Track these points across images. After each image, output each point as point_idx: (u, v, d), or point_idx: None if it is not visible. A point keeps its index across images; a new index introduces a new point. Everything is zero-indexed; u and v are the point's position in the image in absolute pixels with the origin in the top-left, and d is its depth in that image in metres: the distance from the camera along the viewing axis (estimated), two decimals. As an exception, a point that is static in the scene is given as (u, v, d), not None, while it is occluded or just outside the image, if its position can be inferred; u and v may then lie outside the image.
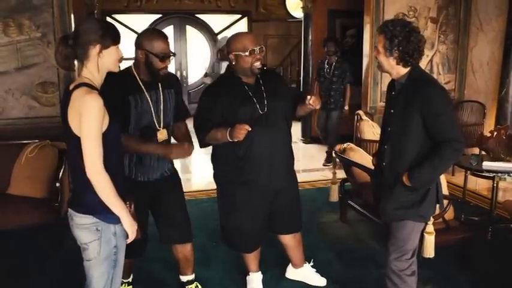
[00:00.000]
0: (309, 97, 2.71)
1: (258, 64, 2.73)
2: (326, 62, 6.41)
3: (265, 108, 2.78)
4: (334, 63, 6.31)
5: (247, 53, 2.68)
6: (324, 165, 6.56)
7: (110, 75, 2.35)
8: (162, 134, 2.70)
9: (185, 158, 2.68)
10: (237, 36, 2.82)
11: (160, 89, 2.69)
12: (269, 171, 2.83)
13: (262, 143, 2.77)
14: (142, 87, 2.61)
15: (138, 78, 2.61)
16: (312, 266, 3.40)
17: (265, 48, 2.81)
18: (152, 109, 2.63)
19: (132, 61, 2.67)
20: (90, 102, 1.90)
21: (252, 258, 3.16)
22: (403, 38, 2.36)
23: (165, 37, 2.61)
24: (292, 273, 3.40)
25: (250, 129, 2.58)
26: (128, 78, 2.60)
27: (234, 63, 2.77)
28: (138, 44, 2.58)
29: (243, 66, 2.73)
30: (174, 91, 2.78)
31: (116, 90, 2.46)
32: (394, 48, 2.38)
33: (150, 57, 2.54)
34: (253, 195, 2.88)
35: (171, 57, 2.60)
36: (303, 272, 3.36)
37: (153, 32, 2.67)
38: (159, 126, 2.68)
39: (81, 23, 2.06)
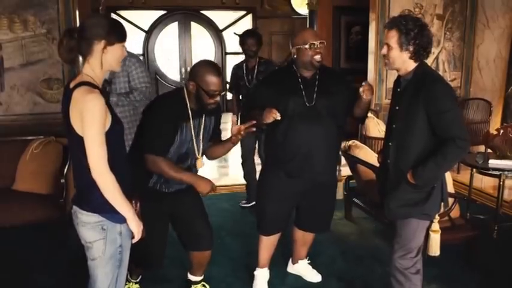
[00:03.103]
0: (362, 87, 2.69)
1: (318, 57, 2.80)
2: (244, 68, 4.59)
3: (313, 103, 2.83)
4: (256, 67, 4.51)
5: (307, 46, 2.77)
6: (242, 206, 4.86)
7: (163, 98, 2.65)
8: (199, 162, 2.73)
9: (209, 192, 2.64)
10: (299, 31, 2.96)
11: (204, 117, 2.69)
12: (303, 162, 2.87)
13: (303, 134, 2.83)
14: (190, 115, 2.60)
15: (188, 106, 2.60)
16: (309, 263, 3.44)
17: (325, 43, 2.85)
18: (194, 138, 2.64)
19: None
20: (91, 102, 1.86)
21: (264, 248, 3.16)
22: (418, 32, 2.36)
23: (218, 73, 2.57)
24: (290, 267, 3.48)
25: (278, 115, 2.67)
26: (180, 105, 2.60)
27: (295, 56, 2.86)
28: (192, 75, 2.56)
29: (303, 59, 2.82)
30: (214, 118, 2.78)
31: (171, 117, 2.54)
32: (411, 42, 2.36)
33: (200, 91, 2.52)
34: (283, 182, 2.94)
35: (220, 93, 2.57)
36: (298, 267, 3.43)
37: (209, 67, 2.59)
38: (198, 154, 2.69)
39: (88, 17, 2.02)
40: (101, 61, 1.97)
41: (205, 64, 2.63)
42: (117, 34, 2.00)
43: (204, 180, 2.62)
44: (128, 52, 3.83)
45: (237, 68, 4.66)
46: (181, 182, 2.63)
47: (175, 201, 2.76)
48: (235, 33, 7.03)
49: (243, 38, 4.51)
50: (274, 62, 5.46)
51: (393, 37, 2.40)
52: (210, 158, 2.89)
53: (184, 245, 2.93)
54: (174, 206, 2.78)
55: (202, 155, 2.74)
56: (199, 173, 2.78)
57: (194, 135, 2.64)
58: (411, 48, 2.38)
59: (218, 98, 2.58)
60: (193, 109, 2.61)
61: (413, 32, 2.35)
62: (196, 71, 2.56)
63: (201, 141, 2.69)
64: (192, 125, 2.62)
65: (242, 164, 4.78)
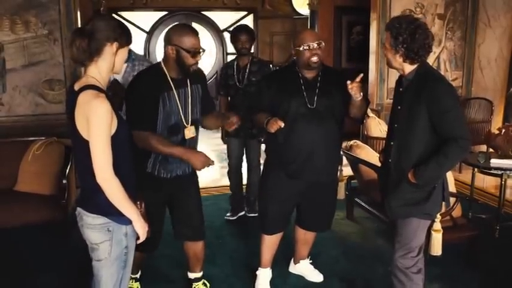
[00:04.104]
0: (348, 82, 2.63)
1: (314, 59, 2.79)
2: (235, 66, 4.21)
3: (314, 104, 2.84)
4: (248, 67, 4.15)
5: (304, 48, 2.77)
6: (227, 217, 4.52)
7: (139, 74, 2.53)
8: (189, 131, 2.67)
9: (208, 166, 2.58)
10: (299, 32, 3.00)
11: (189, 85, 2.66)
12: (304, 163, 2.87)
13: (305, 135, 2.83)
14: (172, 85, 2.58)
15: (168, 76, 2.58)
16: (311, 263, 3.44)
17: (324, 44, 2.83)
18: (180, 107, 2.61)
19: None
20: (98, 107, 1.85)
21: (267, 248, 3.16)
22: (408, 36, 2.35)
23: (196, 32, 2.57)
24: (292, 267, 3.48)
25: (282, 125, 2.69)
26: (158, 76, 2.58)
27: (295, 57, 2.87)
28: (168, 40, 2.54)
29: (301, 60, 2.83)
30: (200, 86, 2.76)
31: (148, 90, 2.51)
32: (399, 46, 2.37)
33: (180, 53, 2.50)
34: (284, 182, 2.95)
35: (202, 52, 2.56)
36: (300, 267, 3.43)
37: (184, 27, 2.61)
38: (187, 124, 2.65)
39: (98, 18, 2.01)
40: (112, 63, 1.98)
41: (180, 26, 2.65)
42: (127, 37, 2.03)
43: (196, 154, 2.56)
44: (139, 55, 3.73)
45: (227, 66, 4.30)
46: (172, 156, 2.57)
47: (174, 188, 2.76)
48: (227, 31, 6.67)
49: (235, 34, 4.14)
50: (274, 63, 5.14)
51: (387, 39, 2.44)
52: (205, 127, 2.90)
53: (178, 235, 2.93)
54: (172, 193, 2.79)
55: (193, 125, 2.69)
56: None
57: (180, 105, 2.60)
58: (401, 52, 2.39)
59: (200, 58, 2.57)
60: (174, 78, 2.59)
61: (402, 37, 2.35)
62: (172, 34, 2.54)
63: (189, 110, 2.65)
64: (176, 95, 2.59)
65: (228, 173, 4.50)
